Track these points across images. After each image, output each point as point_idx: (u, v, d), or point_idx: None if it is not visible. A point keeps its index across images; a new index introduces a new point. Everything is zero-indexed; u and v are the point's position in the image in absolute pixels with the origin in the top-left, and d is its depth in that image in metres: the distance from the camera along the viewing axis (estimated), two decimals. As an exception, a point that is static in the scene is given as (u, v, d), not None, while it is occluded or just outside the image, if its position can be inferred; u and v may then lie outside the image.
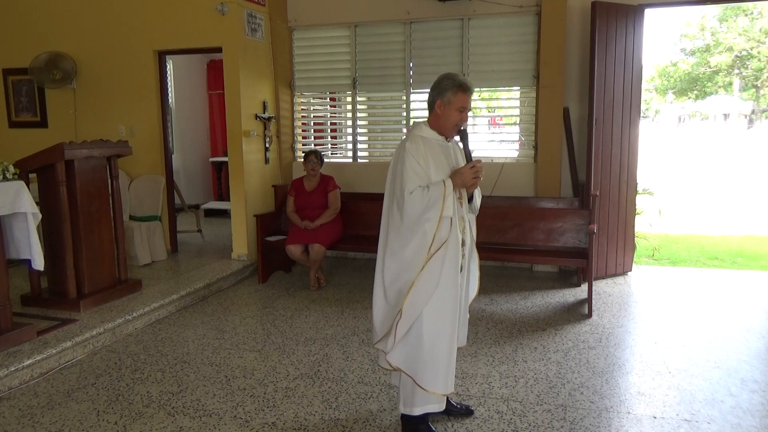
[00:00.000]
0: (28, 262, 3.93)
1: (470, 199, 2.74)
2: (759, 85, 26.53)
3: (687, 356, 3.72)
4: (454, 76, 2.60)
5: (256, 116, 6.00)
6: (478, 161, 2.60)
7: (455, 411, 2.96)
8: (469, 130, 2.71)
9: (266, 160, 6.22)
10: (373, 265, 2.79)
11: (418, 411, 2.71)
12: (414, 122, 2.73)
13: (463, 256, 2.70)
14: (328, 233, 5.24)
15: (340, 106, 6.71)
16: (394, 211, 2.59)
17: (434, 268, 2.56)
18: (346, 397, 3.20)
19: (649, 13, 5.33)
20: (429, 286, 2.56)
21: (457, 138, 2.72)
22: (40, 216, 3.91)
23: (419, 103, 6.14)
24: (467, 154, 2.65)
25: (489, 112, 8.23)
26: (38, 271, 4.15)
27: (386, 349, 2.67)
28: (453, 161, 2.69)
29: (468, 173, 2.56)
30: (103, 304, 4.46)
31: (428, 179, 2.54)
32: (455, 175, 2.57)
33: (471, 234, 2.80)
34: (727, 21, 23.95)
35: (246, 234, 5.89)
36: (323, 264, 5.58)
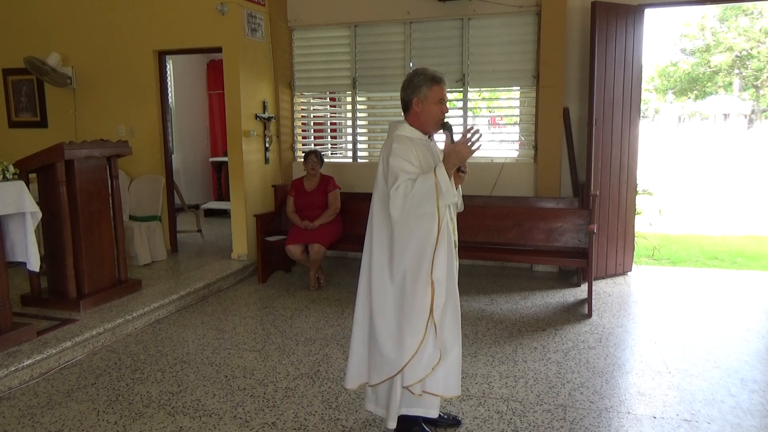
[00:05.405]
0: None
1: None
2: (759, 85, 26.53)
3: (687, 356, 3.72)
4: (424, 70, 2.53)
5: (256, 116, 6.00)
6: (470, 130, 2.44)
7: (442, 422, 2.87)
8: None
9: (266, 160, 6.22)
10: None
11: (412, 411, 2.65)
12: (391, 122, 2.64)
13: (456, 258, 2.66)
14: (328, 233, 5.24)
15: (339, 106, 6.71)
16: (388, 217, 2.50)
17: (440, 271, 2.49)
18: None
19: (649, 13, 5.34)
20: (440, 289, 2.49)
21: (440, 132, 2.63)
22: (40, 215, 3.90)
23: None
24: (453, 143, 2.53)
25: (489, 112, 8.23)
26: (37, 272, 4.15)
27: (409, 382, 2.53)
28: (438, 161, 2.59)
29: (464, 147, 2.40)
30: (103, 304, 4.46)
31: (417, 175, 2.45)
32: (450, 154, 2.43)
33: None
34: (727, 21, 23.95)
35: (246, 234, 5.89)
36: (323, 264, 5.59)
